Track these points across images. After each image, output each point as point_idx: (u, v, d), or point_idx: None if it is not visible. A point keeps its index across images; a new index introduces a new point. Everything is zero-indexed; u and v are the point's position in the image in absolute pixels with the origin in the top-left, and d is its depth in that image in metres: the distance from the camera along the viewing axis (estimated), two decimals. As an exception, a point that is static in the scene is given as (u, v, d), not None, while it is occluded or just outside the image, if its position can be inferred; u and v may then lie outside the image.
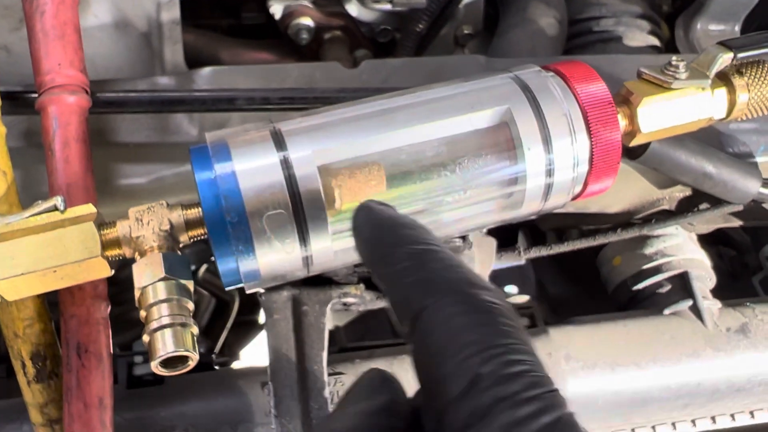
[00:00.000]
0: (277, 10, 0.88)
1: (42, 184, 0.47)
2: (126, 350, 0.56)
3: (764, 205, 0.60)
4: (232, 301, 0.99)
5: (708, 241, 0.80)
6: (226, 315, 1.02)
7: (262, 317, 1.04)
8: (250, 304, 1.00)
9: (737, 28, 0.68)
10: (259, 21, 0.98)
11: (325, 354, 0.48)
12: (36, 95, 0.45)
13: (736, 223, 0.61)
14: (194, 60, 0.83)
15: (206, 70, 0.54)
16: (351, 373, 0.52)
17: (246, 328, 1.03)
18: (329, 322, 0.49)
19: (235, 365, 0.73)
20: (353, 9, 0.83)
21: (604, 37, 0.89)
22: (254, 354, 0.92)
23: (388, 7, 0.73)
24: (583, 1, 0.92)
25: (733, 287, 0.78)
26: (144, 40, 0.77)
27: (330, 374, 0.49)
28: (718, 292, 0.66)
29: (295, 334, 0.48)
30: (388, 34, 0.91)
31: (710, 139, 0.57)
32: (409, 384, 0.28)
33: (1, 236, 0.36)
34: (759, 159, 0.57)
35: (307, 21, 0.87)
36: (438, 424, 0.24)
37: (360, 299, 0.50)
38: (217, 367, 0.67)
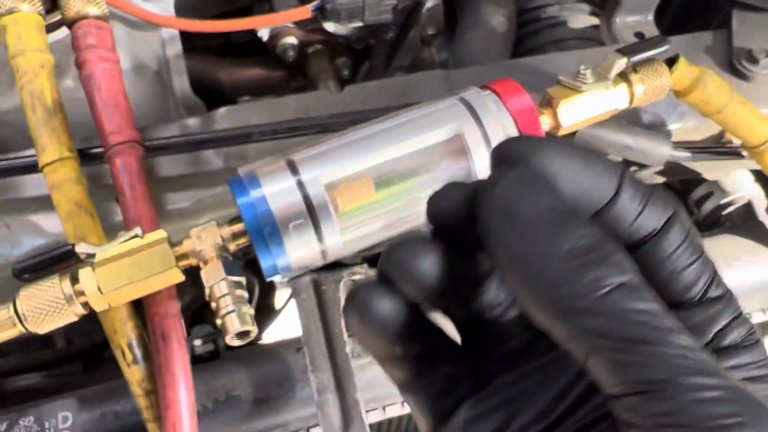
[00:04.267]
0: (264, 33, 1.01)
1: (108, 217, 0.61)
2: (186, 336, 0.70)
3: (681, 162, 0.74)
4: (253, 285, 1.12)
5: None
6: (249, 298, 1.16)
7: (277, 302, 1.17)
8: (267, 288, 1.13)
9: (650, 17, 0.81)
10: (247, 39, 1.11)
11: (343, 321, 0.62)
12: (96, 149, 0.58)
13: (661, 179, 0.76)
14: (196, 83, 0.97)
15: (222, 110, 0.67)
16: (365, 334, 0.67)
17: (265, 312, 1.17)
18: (343, 295, 0.64)
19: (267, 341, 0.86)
20: (330, 26, 0.96)
21: (550, 23, 1.02)
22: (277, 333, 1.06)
23: (359, 23, 0.86)
24: (530, -8, 1.04)
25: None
26: (157, 78, 0.91)
27: (348, 335, 0.64)
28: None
29: (318, 308, 0.62)
30: (363, 41, 1.04)
31: (630, 113, 0.70)
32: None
33: (102, 261, 0.50)
34: (672, 126, 0.71)
35: (291, 40, 1.00)
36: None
37: (365, 275, 0.65)
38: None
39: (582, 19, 1.00)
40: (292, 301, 1.00)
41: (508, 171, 0.26)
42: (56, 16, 0.75)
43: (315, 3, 0.82)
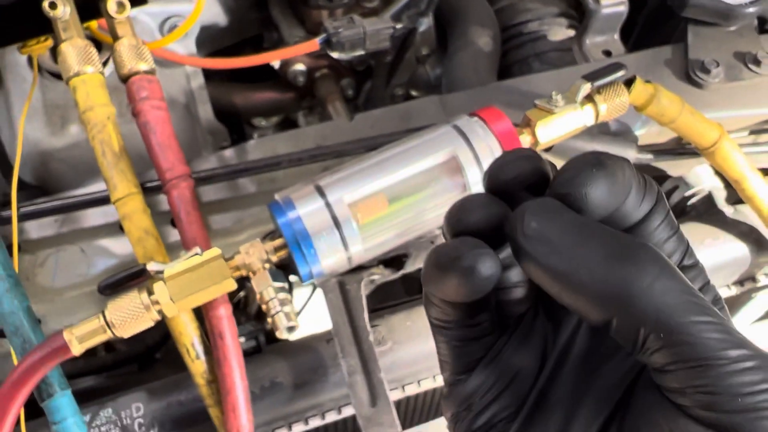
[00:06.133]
0: (276, 62, 1.12)
1: (164, 238, 0.72)
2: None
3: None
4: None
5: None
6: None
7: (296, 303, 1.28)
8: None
9: (616, 36, 0.93)
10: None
11: (366, 314, 0.73)
12: (153, 182, 0.70)
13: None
14: (215, 107, 1.08)
15: (252, 142, 0.78)
16: (383, 324, 0.79)
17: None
18: (365, 293, 0.75)
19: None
20: (335, 54, 1.07)
21: (532, 37, 1.13)
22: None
23: (361, 52, 0.97)
24: (513, 10, 1.16)
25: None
26: (186, 110, 1.02)
27: (371, 326, 0.75)
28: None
29: (344, 304, 0.74)
30: (365, 63, 1.16)
31: (600, 123, 0.82)
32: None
33: (171, 276, 0.61)
34: (638, 132, 0.83)
35: (300, 67, 1.12)
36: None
37: (381, 275, 0.76)
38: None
39: (560, 32, 1.11)
40: (311, 300, 1.12)
41: (530, 203, 0.31)
42: (103, 58, 0.87)
43: (322, 36, 0.93)
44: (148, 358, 0.93)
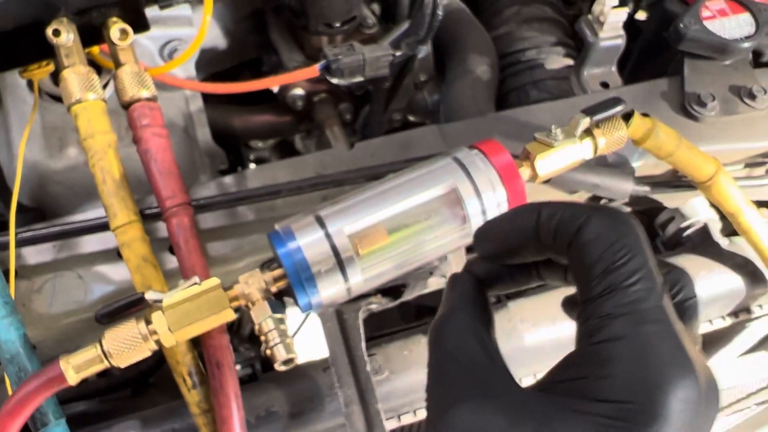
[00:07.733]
0: (275, 86, 1.12)
1: (162, 265, 0.72)
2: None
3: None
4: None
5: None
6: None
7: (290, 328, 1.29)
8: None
9: (614, 69, 0.94)
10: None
11: (363, 344, 0.73)
12: (152, 209, 0.70)
13: (628, 209, 0.88)
14: (213, 130, 1.08)
15: (252, 169, 0.78)
16: (380, 353, 0.78)
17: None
18: (362, 323, 0.75)
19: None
20: (335, 80, 1.08)
21: (530, 65, 1.14)
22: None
23: (361, 79, 0.97)
24: (510, 38, 1.17)
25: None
26: (184, 133, 1.02)
27: (367, 356, 0.75)
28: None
29: (341, 333, 0.74)
30: (363, 88, 1.16)
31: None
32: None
33: (169, 306, 0.61)
34: (635, 164, 0.83)
35: (299, 91, 1.12)
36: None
37: (379, 303, 0.76)
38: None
39: (557, 60, 1.13)
40: (305, 326, 1.11)
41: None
42: (103, 81, 0.88)
43: (321, 62, 0.94)
44: (142, 383, 0.92)
